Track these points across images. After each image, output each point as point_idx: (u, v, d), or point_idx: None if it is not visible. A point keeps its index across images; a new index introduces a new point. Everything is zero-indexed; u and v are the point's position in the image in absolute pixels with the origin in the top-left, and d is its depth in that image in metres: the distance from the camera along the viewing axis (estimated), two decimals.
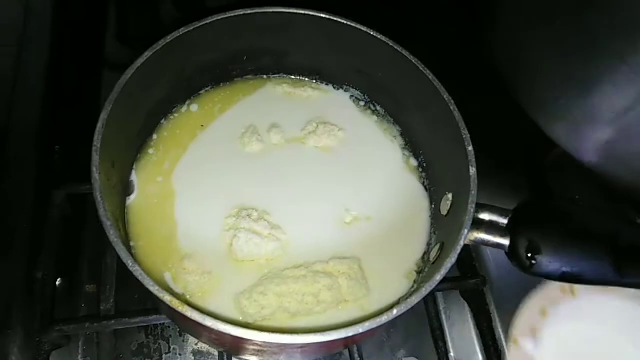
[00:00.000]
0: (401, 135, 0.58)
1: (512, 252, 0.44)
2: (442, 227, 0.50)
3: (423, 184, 0.55)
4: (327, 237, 0.50)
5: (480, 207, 0.44)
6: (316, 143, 0.56)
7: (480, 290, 0.60)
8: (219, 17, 0.49)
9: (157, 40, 0.47)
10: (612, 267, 0.43)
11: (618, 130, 0.58)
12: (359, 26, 0.50)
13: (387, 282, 0.49)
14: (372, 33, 0.50)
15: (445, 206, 0.49)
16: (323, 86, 0.60)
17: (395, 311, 0.36)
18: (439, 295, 0.62)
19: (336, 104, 0.59)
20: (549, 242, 0.43)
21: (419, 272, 0.50)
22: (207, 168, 0.52)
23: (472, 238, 0.43)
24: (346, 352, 0.55)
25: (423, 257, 0.51)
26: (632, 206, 0.65)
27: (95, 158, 0.39)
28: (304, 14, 0.51)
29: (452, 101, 0.47)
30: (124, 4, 0.79)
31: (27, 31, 0.67)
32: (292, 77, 0.60)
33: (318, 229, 0.50)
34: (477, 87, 0.72)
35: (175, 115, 0.55)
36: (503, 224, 0.45)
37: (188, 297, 0.45)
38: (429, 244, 0.51)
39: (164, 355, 0.54)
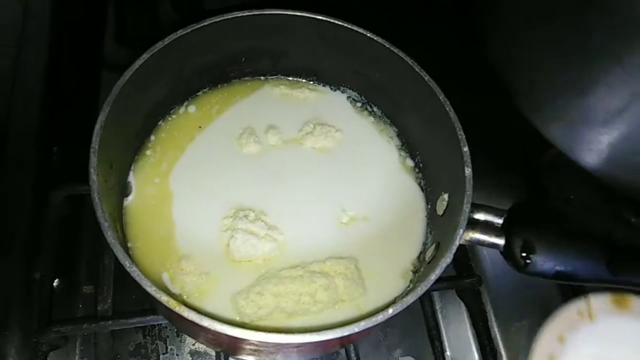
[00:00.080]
0: (398, 136, 0.58)
1: (507, 252, 0.44)
2: (438, 227, 0.50)
3: (419, 184, 0.56)
4: (324, 237, 0.50)
5: (476, 207, 0.45)
6: (313, 144, 0.56)
7: (476, 290, 0.60)
8: (217, 19, 0.49)
9: (155, 41, 0.47)
10: (606, 265, 0.43)
11: (612, 131, 0.58)
12: (355, 28, 0.51)
13: (383, 282, 0.49)
14: (368, 35, 0.51)
15: (441, 206, 0.50)
16: (320, 87, 0.61)
17: (390, 310, 0.36)
18: (435, 294, 0.62)
19: (333, 105, 0.60)
20: (544, 241, 0.43)
21: (415, 272, 0.50)
22: (205, 169, 0.53)
23: (468, 238, 0.43)
24: (343, 351, 0.56)
25: (419, 257, 0.51)
26: (627, 206, 0.65)
27: (93, 159, 0.40)
28: (301, 16, 0.51)
29: (448, 102, 0.48)
30: (123, 5, 0.79)
31: (25, 32, 0.68)
32: (290, 78, 0.61)
33: (315, 229, 0.51)
34: (473, 88, 0.72)
35: (173, 116, 0.56)
36: (498, 223, 0.45)
37: (185, 297, 0.45)
38: (424, 244, 0.51)
39: (161, 356, 0.55)
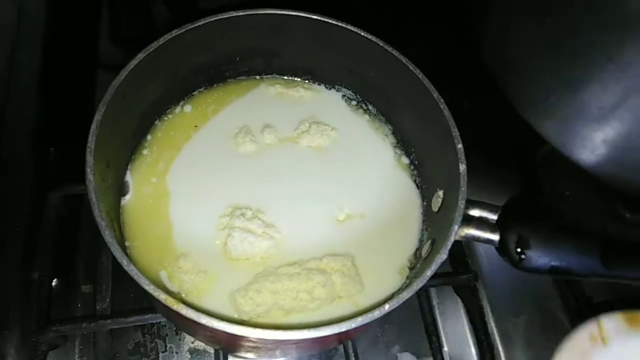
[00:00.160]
0: (393, 133, 0.59)
1: (501, 247, 0.44)
2: (433, 224, 0.51)
3: (415, 181, 0.56)
4: (321, 234, 0.51)
5: (471, 204, 0.45)
6: (309, 142, 0.56)
7: (473, 286, 0.61)
8: (212, 19, 0.49)
9: (150, 41, 0.47)
10: (600, 260, 0.43)
11: (606, 127, 0.59)
12: (349, 27, 0.51)
13: (380, 279, 0.49)
14: (362, 34, 0.51)
15: (436, 203, 0.50)
16: (315, 86, 0.61)
17: (387, 306, 0.37)
18: (432, 291, 0.62)
19: (328, 103, 0.60)
20: (538, 237, 0.44)
21: (411, 268, 0.50)
22: (201, 168, 0.53)
23: (463, 234, 0.44)
24: (341, 348, 0.56)
25: (415, 254, 0.51)
26: (622, 202, 0.66)
27: (90, 159, 0.40)
28: (296, 16, 0.51)
29: (442, 100, 0.48)
30: (117, 5, 0.79)
31: (20, 33, 0.67)
32: (285, 77, 0.61)
33: (312, 227, 0.51)
34: (467, 86, 0.72)
35: (169, 116, 0.56)
36: (493, 219, 0.45)
37: (184, 295, 0.45)
38: (420, 241, 0.52)
39: (160, 354, 0.55)
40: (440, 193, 0.49)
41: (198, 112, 0.57)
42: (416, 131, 0.55)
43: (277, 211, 0.51)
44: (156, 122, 0.55)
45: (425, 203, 0.54)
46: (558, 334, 0.62)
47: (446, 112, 0.47)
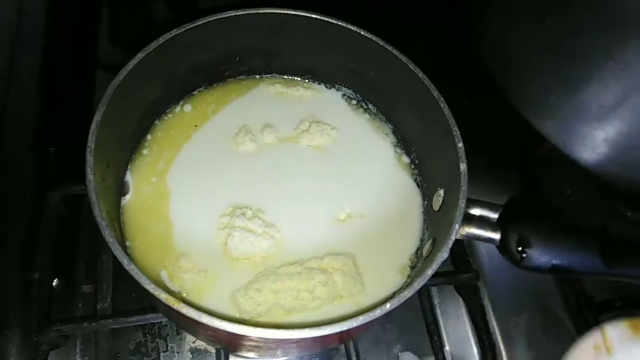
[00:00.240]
0: (393, 133, 0.59)
1: (503, 246, 0.44)
2: (434, 223, 0.51)
3: (415, 180, 0.56)
4: (322, 234, 0.51)
5: (471, 203, 0.45)
6: (309, 142, 0.56)
7: (474, 285, 0.61)
8: (212, 18, 0.49)
9: (149, 41, 0.47)
10: (601, 259, 0.43)
11: (606, 125, 0.59)
12: (349, 26, 0.51)
13: (381, 278, 0.49)
14: (362, 33, 0.51)
15: (437, 202, 0.50)
16: (315, 85, 0.61)
17: (388, 305, 0.37)
18: (434, 290, 0.62)
19: (328, 103, 0.60)
20: (539, 235, 0.44)
21: (412, 267, 0.50)
22: (201, 168, 0.53)
23: (464, 233, 0.44)
24: (342, 347, 0.56)
25: (416, 253, 0.51)
26: (622, 200, 0.66)
27: (90, 159, 0.40)
28: (296, 15, 0.51)
29: (442, 99, 0.48)
30: (117, 5, 0.79)
31: (20, 33, 0.67)
32: (285, 77, 0.61)
33: (312, 226, 0.51)
34: (467, 85, 0.72)
35: (169, 115, 0.56)
36: (494, 218, 0.45)
37: (184, 295, 0.45)
38: (421, 240, 0.52)
39: (161, 354, 0.55)
40: (441, 192, 0.49)
41: (198, 111, 0.57)
42: (416, 130, 0.55)
43: (277, 211, 0.51)
44: (156, 121, 0.55)
45: (426, 202, 0.54)
46: (559, 332, 0.62)
47: (446, 110, 0.47)
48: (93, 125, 0.41)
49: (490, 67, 0.70)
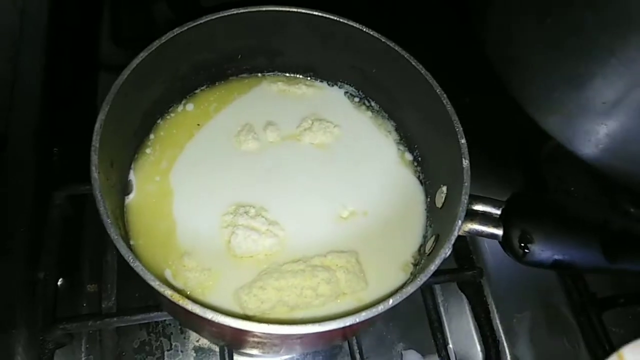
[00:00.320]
0: (396, 130, 0.59)
1: (505, 242, 0.44)
2: (437, 220, 0.51)
3: (418, 177, 0.56)
4: (325, 231, 0.51)
5: (474, 199, 0.45)
6: (312, 140, 0.56)
7: (478, 282, 0.61)
8: (213, 17, 0.49)
9: (151, 40, 0.47)
10: (603, 254, 0.43)
11: (610, 121, 0.59)
12: (351, 23, 0.51)
13: (384, 275, 0.49)
14: (364, 29, 0.51)
15: (440, 199, 0.50)
16: (317, 83, 0.61)
17: (390, 301, 0.37)
18: (437, 287, 0.63)
19: (331, 100, 0.60)
20: (541, 231, 0.44)
21: (415, 265, 0.50)
22: (204, 166, 0.53)
23: (466, 229, 0.44)
24: (346, 345, 0.56)
25: (419, 250, 0.51)
26: (626, 196, 0.66)
27: (94, 158, 0.40)
28: (298, 12, 0.51)
29: (445, 95, 0.48)
30: (119, 5, 0.80)
31: (23, 35, 0.68)
32: (287, 74, 0.61)
33: (315, 224, 0.51)
34: (468, 84, 0.73)
35: (172, 114, 0.56)
36: (496, 214, 0.46)
37: (188, 292, 0.45)
38: (424, 237, 0.52)
39: (165, 353, 0.55)
40: (444, 189, 0.49)
41: (200, 110, 0.57)
42: (419, 127, 0.55)
43: (280, 209, 0.51)
44: (159, 121, 0.55)
45: (428, 199, 0.54)
46: (562, 329, 0.62)
47: (449, 107, 0.47)
48: (97, 125, 0.41)
49: (494, 64, 0.70)
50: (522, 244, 0.44)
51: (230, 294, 0.46)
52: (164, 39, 0.47)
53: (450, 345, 0.60)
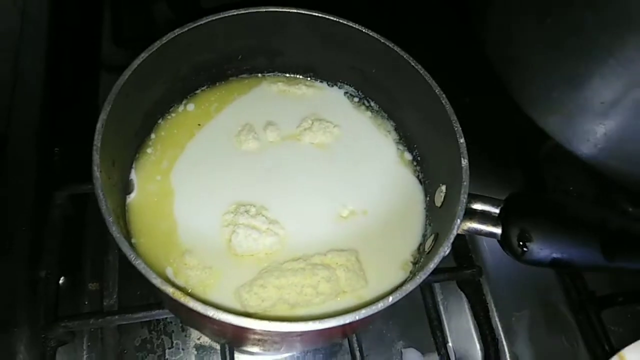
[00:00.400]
0: (395, 130, 0.59)
1: (504, 240, 0.45)
2: (436, 219, 0.51)
3: (417, 177, 0.56)
4: (325, 230, 0.51)
5: (473, 198, 0.45)
6: (312, 139, 0.57)
7: (477, 281, 0.61)
8: (214, 18, 0.50)
9: (152, 41, 0.48)
10: (601, 252, 0.44)
11: (608, 121, 0.59)
12: (350, 23, 0.51)
13: (383, 274, 0.49)
14: (364, 30, 0.51)
15: (439, 198, 0.50)
16: (317, 83, 0.61)
17: (390, 298, 0.37)
18: (437, 286, 0.63)
19: (330, 100, 0.60)
20: (540, 230, 0.44)
21: (414, 263, 0.51)
22: (205, 166, 0.53)
23: (465, 227, 0.44)
24: (346, 343, 0.56)
25: (418, 248, 0.51)
26: (624, 196, 0.66)
27: (96, 157, 0.40)
28: (297, 13, 0.52)
29: (444, 95, 0.48)
30: (119, 6, 0.80)
31: (24, 36, 0.68)
32: (287, 75, 0.61)
33: (315, 223, 0.51)
34: (468, 84, 0.73)
35: (173, 114, 0.56)
36: (495, 213, 0.46)
37: (190, 291, 0.46)
38: (424, 236, 0.52)
39: (166, 350, 0.55)
40: (443, 188, 0.50)
41: (201, 110, 0.57)
42: (419, 127, 0.56)
43: (280, 208, 0.52)
44: (160, 121, 0.55)
45: (428, 198, 0.54)
46: (561, 327, 0.62)
47: (448, 107, 0.47)
48: (99, 125, 0.42)
49: (494, 64, 0.71)
50: (521, 243, 0.44)
51: (231, 292, 0.46)
52: (164, 39, 0.48)
53: (450, 344, 0.61)
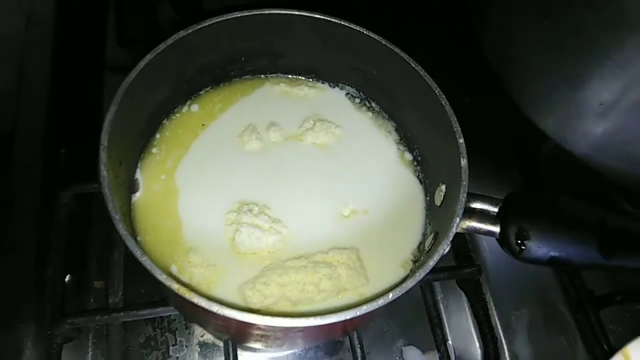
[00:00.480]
0: (396, 130, 0.60)
1: (502, 239, 0.45)
2: (436, 218, 0.52)
3: (418, 177, 0.57)
4: (326, 229, 0.52)
5: (472, 197, 0.46)
6: (314, 140, 0.57)
7: (476, 280, 0.62)
8: (218, 20, 0.50)
9: (156, 42, 0.48)
10: (599, 251, 0.44)
11: (607, 122, 0.60)
12: (352, 25, 0.52)
13: (384, 272, 0.50)
14: (365, 32, 0.52)
15: (439, 197, 0.51)
16: (319, 84, 0.62)
17: (390, 295, 0.38)
18: (437, 285, 0.64)
19: (332, 101, 0.61)
20: (537, 228, 0.45)
21: (414, 262, 0.51)
22: (209, 166, 0.54)
23: (465, 226, 0.45)
24: (347, 341, 0.57)
25: (418, 247, 0.52)
26: (622, 195, 0.66)
27: (103, 156, 0.41)
28: (300, 15, 0.52)
29: (444, 96, 0.49)
30: (123, 8, 0.81)
31: (30, 38, 0.69)
32: (289, 76, 0.62)
33: (317, 221, 0.52)
34: (468, 84, 0.73)
35: (177, 115, 0.57)
36: (494, 212, 0.47)
37: (194, 287, 0.46)
38: (424, 235, 0.53)
39: (170, 347, 0.56)
40: (443, 187, 0.50)
41: (205, 111, 0.58)
42: (419, 127, 0.56)
43: (283, 207, 0.52)
44: (164, 121, 0.56)
45: (428, 198, 0.55)
46: (560, 326, 0.63)
47: (447, 107, 0.48)
48: (106, 124, 0.42)
49: (493, 65, 0.71)
50: (519, 241, 0.45)
51: (234, 290, 0.47)
52: (169, 41, 0.48)
53: (450, 342, 0.61)
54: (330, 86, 0.62)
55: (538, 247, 0.44)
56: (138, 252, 0.37)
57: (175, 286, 0.35)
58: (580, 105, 0.61)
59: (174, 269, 0.47)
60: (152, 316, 0.54)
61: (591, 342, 0.61)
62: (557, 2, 0.59)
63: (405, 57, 0.51)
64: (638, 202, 0.65)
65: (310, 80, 0.62)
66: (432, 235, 0.50)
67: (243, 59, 0.58)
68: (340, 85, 0.62)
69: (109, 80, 0.73)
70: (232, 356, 0.49)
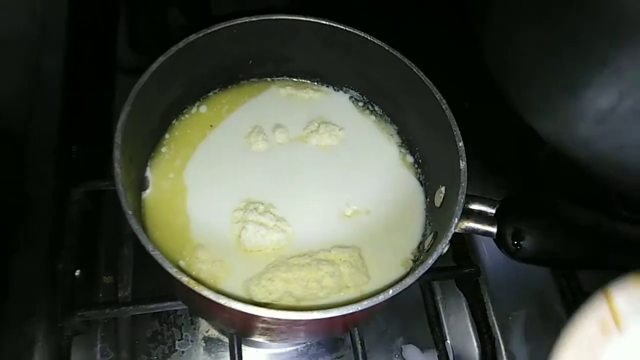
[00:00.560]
0: (398, 133, 0.61)
1: (499, 239, 0.47)
2: (435, 218, 0.53)
3: (418, 179, 0.58)
4: (329, 228, 0.53)
5: (470, 198, 0.47)
6: (318, 142, 0.59)
7: (475, 280, 0.63)
8: (227, 25, 0.52)
9: (166, 46, 0.49)
10: (594, 251, 0.46)
11: (605, 128, 0.61)
12: (356, 31, 0.53)
13: (385, 270, 0.51)
14: (369, 38, 0.53)
15: (438, 199, 0.52)
16: (324, 88, 0.63)
17: (390, 291, 0.39)
18: (436, 285, 0.65)
19: (336, 104, 0.62)
20: (533, 229, 0.46)
21: (414, 261, 0.52)
22: (216, 165, 0.55)
23: (463, 227, 0.46)
24: (348, 339, 0.58)
25: (418, 247, 0.53)
26: (621, 203, 0.67)
27: (117, 154, 0.42)
28: (306, 21, 0.54)
29: (444, 101, 0.50)
30: (135, 13, 0.83)
31: (44, 41, 0.71)
32: (295, 79, 0.63)
33: (321, 221, 0.53)
34: (468, 86, 0.74)
35: (186, 116, 0.58)
36: (491, 213, 0.48)
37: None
38: (423, 234, 0.54)
39: (176, 342, 0.58)
40: (443, 189, 0.52)
41: (213, 112, 0.59)
42: (420, 131, 0.57)
43: (288, 206, 0.54)
44: (174, 121, 0.57)
45: (428, 199, 0.56)
46: (556, 327, 0.64)
47: (448, 112, 0.49)
48: (119, 124, 0.44)
49: (492, 70, 0.72)
50: (515, 242, 0.46)
51: (240, 285, 0.48)
52: (180, 44, 0.50)
53: (448, 341, 0.62)
54: (334, 90, 0.63)
55: (533, 248, 0.45)
56: (150, 246, 0.38)
57: (185, 279, 0.37)
58: (579, 112, 0.62)
59: (182, 264, 0.48)
60: (159, 310, 0.55)
61: None
62: (556, 3, 0.60)
63: (407, 63, 0.52)
64: (634, 207, 0.66)
65: (315, 83, 0.64)
66: (431, 235, 0.51)
67: (250, 62, 0.60)
68: (344, 89, 0.63)
69: (120, 82, 0.75)
70: (236, 351, 0.50)
